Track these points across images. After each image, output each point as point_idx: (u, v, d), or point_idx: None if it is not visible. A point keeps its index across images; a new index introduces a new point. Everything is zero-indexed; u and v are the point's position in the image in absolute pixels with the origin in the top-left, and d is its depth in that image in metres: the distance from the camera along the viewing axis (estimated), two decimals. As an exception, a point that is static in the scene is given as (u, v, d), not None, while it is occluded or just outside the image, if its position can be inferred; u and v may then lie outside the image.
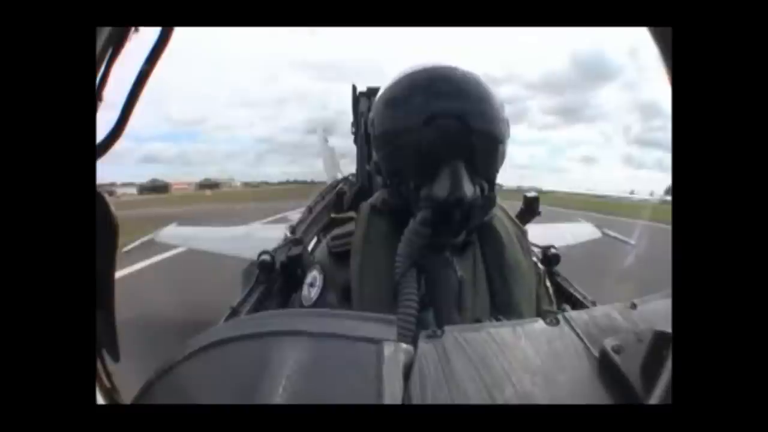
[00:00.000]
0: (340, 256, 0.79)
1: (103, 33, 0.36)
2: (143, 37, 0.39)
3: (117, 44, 0.38)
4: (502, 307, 0.73)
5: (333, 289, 0.78)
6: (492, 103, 0.69)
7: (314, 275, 0.82)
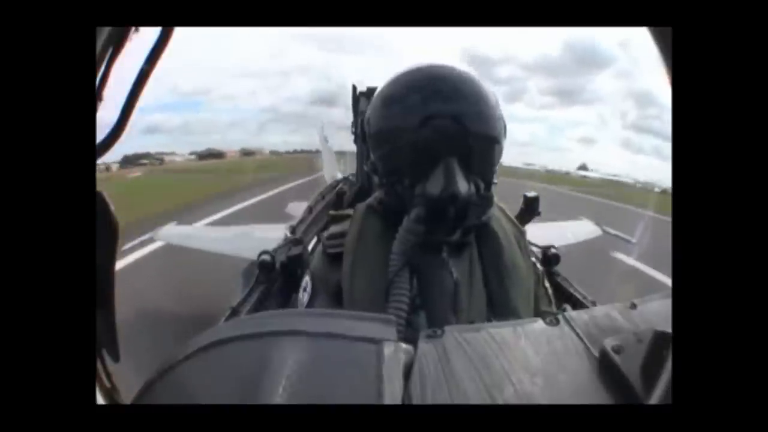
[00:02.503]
0: (334, 258, 0.78)
1: (103, 33, 0.36)
2: (143, 37, 0.39)
3: (117, 44, 0.38)
4: (499, 309, 0.73)
5: (325, 291, 0.78)
6: (488, 103, 0.70)
7: (306, 280, 0.82)
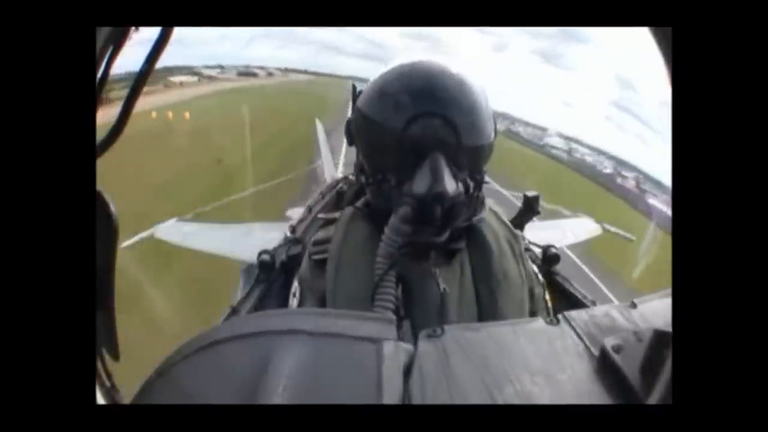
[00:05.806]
0: (319, 264, 0.77)
1: (103, 33, 0.36)
2: (143, 37, 0.39)
3: (117, 44, 0.38)
4: (489, 320, 0.70)
5: (312, 297, 0.77)
6: (480, 104, 0.69)
7: (295, 285, 0.81)
